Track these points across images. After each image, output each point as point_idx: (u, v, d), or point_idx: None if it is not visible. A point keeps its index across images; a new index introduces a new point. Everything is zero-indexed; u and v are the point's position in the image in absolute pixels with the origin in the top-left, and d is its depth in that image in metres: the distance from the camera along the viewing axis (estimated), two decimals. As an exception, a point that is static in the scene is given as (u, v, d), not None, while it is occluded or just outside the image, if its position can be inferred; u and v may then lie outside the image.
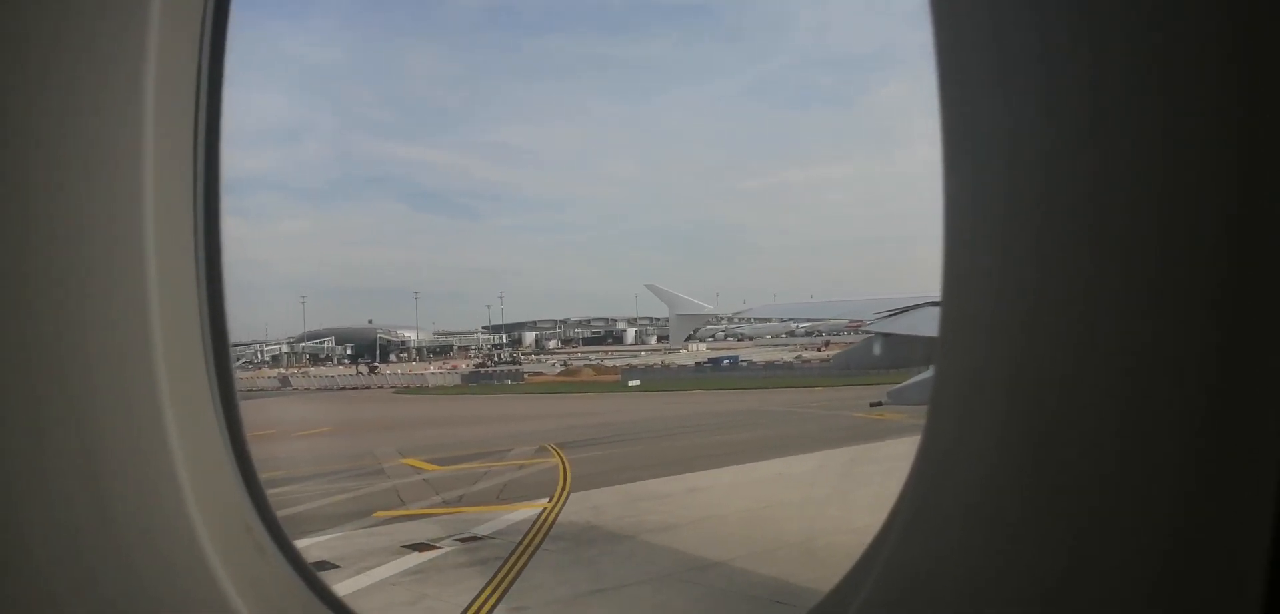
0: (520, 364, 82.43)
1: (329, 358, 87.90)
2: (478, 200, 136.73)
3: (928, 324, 14.24)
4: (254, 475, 2.46)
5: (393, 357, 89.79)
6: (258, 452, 2.52)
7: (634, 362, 78.29)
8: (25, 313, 1.98)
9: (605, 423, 37.41)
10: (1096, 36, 1.35)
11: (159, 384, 2.07)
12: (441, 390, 66.93)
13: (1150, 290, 1.31)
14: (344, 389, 69.99)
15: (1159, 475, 1.30)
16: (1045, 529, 1.45)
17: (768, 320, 70.43)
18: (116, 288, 2.03)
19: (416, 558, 15.53)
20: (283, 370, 78.61)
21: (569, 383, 67.64)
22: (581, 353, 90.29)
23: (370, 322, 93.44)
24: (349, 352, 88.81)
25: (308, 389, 69.74)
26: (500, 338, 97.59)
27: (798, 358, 69.72)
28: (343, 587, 13.35)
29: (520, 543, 16.09)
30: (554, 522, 18.01)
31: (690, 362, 73.86)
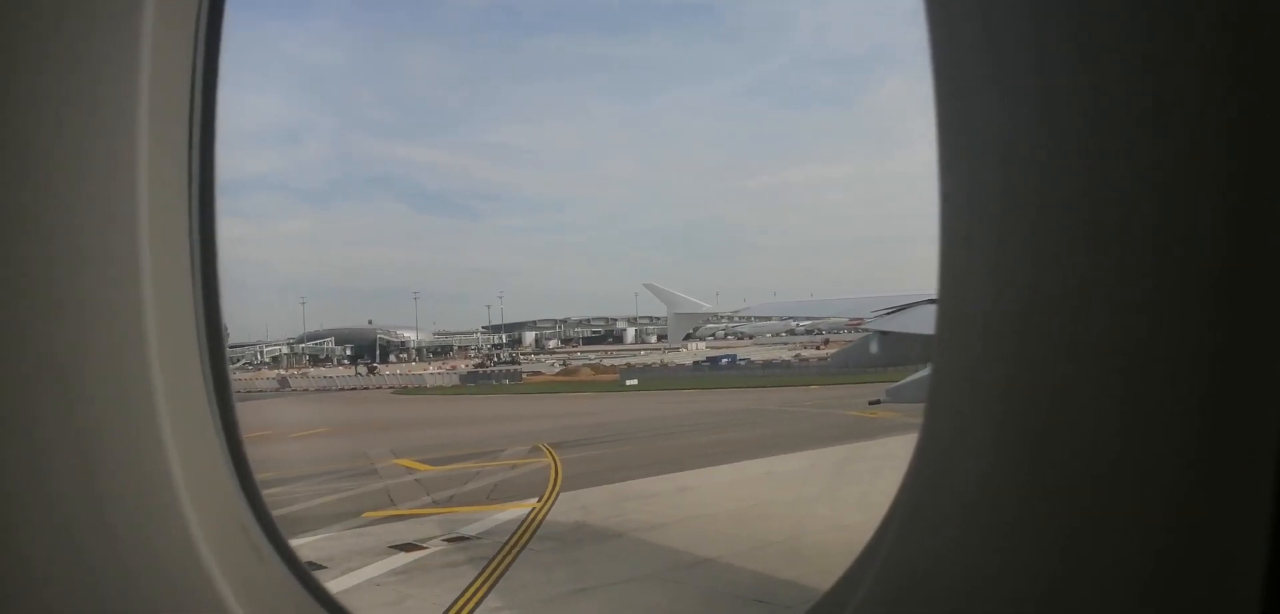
0: (519, 364, 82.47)
1: (329, 358, 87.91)
2: (478, 200, 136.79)
3: (924, 322, 14.25)
4: (250, 477, 2.45)
5: (393, 357, 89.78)
6: (252, 453, 2.52)
7: (633, 361, 78.30)
8: (20, 314, 1.98)
9: (600, 422, 37.43)
10: (1091, 36, 1.36)
11: (154, 385, 2.06)
12: (439, 391, 67.01)
13: (1146, 289, 1.31)
14: (342, 390, 70.06)
15: (1155, 474, 1.31)
16: (1042, 527, 1.46)
17: (768, 319, 70.39)
18: (111, 289, 2.03)
19: (403, 558, 15.57)
20: (281, 371, 78.71)
21: (567, 382, 67.67)
22: (581, 352, 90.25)
23: (370, 322, 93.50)
24: (349, 352, 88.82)
25: (306, 390, 69.83)
26: (500, 338, 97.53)
27: (796, 356, 69.69)
28: (329, 587, 13.36)
29: (507, 543, 16.12)
30: (542, 521, 18.05)
31: (689, 360, 73.86)
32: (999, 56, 1.49)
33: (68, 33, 1.95)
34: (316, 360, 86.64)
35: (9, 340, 1.98)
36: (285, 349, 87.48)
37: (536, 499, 20.19)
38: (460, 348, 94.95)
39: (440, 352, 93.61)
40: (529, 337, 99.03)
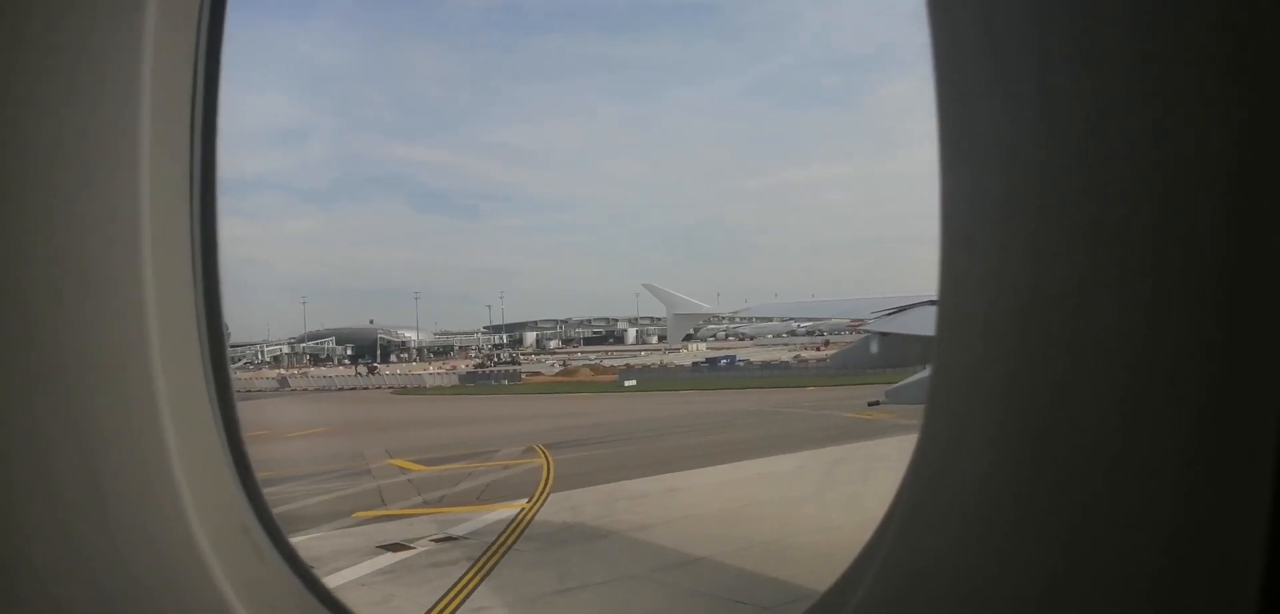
0: (519, 364, 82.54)
1: (329, 358, 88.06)
2: (480, 200, 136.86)
3: (924, 323, 14.26)
4: (251, 476, 2.45)
5: (394, 357, 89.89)
6: (250, 453, 2.53)
7: (633, 362, 78.31)
8: (22, 313, 1.99)
9: (596, 423, 37.45)
10: (1093, 37, 1.36)
11: (156, 385, 2.07)
12: (438, 391, 67.06)
13: (1146, 290, 1.31)
14: (341, 390, 70.14)
15: (1155, 474, 1.31)
16: (1042, 527, 1.46)
17: (769, 320, 70.39)
18: (113, 288, 2.03)
19: (389, 558, 15.62)
20: (282, 371, 78.84)
21: (566, 383, 67.66)
22: (582, 353, 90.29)
23: (371, 322, 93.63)
24: (349, 352, 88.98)
25: (305, 389, 69.93)
26: (501, 338, 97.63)
27: (796, 357, 69.65)
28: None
29: (494, 543, 16.17)
30: (530, 522, 18.09)
31: (688, 362, 73.86)
32: (1000, 58, 1.49)
33: (69, 32, 1.96)
34: (317, 360, 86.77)
35: (11, 340, 1.99)
36: (286, 349, 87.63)
37: (526, 499, 20.24)
38: (461, 348, 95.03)
39: (441, 352, 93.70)
40: (530, 337, 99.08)
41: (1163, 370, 1.29)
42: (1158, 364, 1.30)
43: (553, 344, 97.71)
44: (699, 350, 77.97)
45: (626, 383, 62.73)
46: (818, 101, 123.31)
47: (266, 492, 2.52)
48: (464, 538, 16.85)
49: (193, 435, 2.19)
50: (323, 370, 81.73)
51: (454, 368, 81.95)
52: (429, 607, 12.60)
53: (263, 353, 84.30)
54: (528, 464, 26.25)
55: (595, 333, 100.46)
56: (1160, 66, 1.28)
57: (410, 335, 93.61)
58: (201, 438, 2.27)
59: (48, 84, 1.95)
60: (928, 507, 1.70)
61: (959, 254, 1.59)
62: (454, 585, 13.57)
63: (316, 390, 69.90)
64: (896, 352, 17.68)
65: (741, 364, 70.28)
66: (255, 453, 2.45)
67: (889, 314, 17.00)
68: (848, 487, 19.62)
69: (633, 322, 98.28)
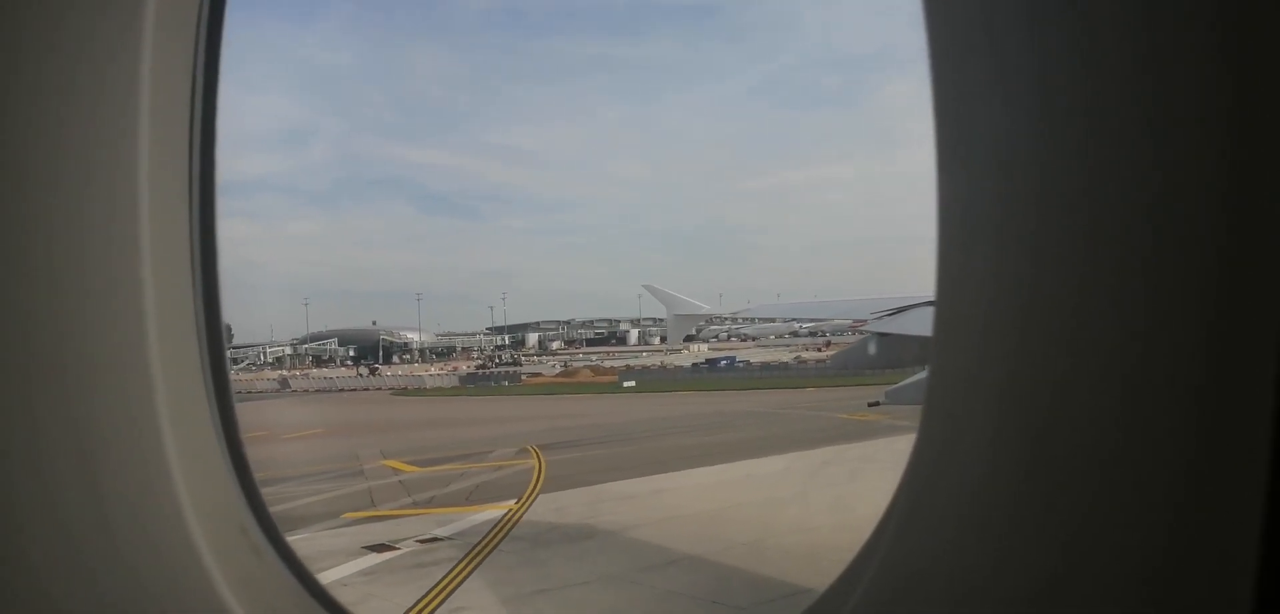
0: (520, 365, 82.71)
1: (331, 359, 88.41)
2: (483, 202, 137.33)
3: (923, 324, 14.27)
4: (250, 477, 2.44)
5: (396, 358, 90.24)
6: (248, 454, 2.53)
7: (634, 362, 78.43)
8: (21, 314, 1.99)
9: (592, 424, 37.57)
10: (1090, 38, 1.35)
11: (155, 385, 2.07)
12: (438, 392, 67.27)
13: (1144, 291, 1.31)
14: (342, 391, 70.45)
15: (1153, 475, 1.30)
16: (1039, 527, 1.45)
17: (771, 321, 70.39)
18: (112, 289, 2.03)
19: (373, 559, 15.74)
20: (283, 372, 79.12)
21: (565, 384, 67.83)
22: (585, 354, 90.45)
23: (374, 323, 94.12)
24: (351, 353, 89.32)
25: (306, 391, 70.19)
26: (503, 339, 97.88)
27: (796, 358, 69.67)
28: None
29: (478, 544, 16.27)
30: (516, 522, 18.20)
31: (689, 362, 73.94)
32: (998, 59, 1.48)
33: (69, 34, 1.97)
34: (319, 361, 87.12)
35: (10, 340, 1.99)
36: (288, 350, 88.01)
37: (515, 500, 20.34)
38: (463, 349, 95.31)
39: (443, 353, 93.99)
40: (532, 338, 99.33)
41: (1160, 371, 1.30)
42: (1155, 364, 1.30)
43: (555, 345, 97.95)
44: (700, 351, 78.07)
45: (625, 384, 62.89)
46: (819, 102, 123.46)
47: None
48: (449, 539, 16.96)
49: (191, 436, 2.20)
50: (325, 372, 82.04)
51: (455, 369, 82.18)
52: (407, 607, 12.71)
53: (265, 354, 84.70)
54: (520, 465, 26.38)
55: (598, 334, 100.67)
56: (1158, 67, 1.28)
57: (412, 336, 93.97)
58: (200, 438, 2.28)
59: (47, 86, 1.96)
60: (925, 507, 1.70)
61: (957, 255, 1.59)
62: (434, 586, 13.68)
63: (317, 391, 70.19)
64: (895, 352, 17.68)
65: (741, 365, 70.36)
66: (252, 454, 2.48)
67: (888, 315, 17.01)
68: (832, 488, 19.73)
69: (635, 322, 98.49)
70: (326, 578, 14.44)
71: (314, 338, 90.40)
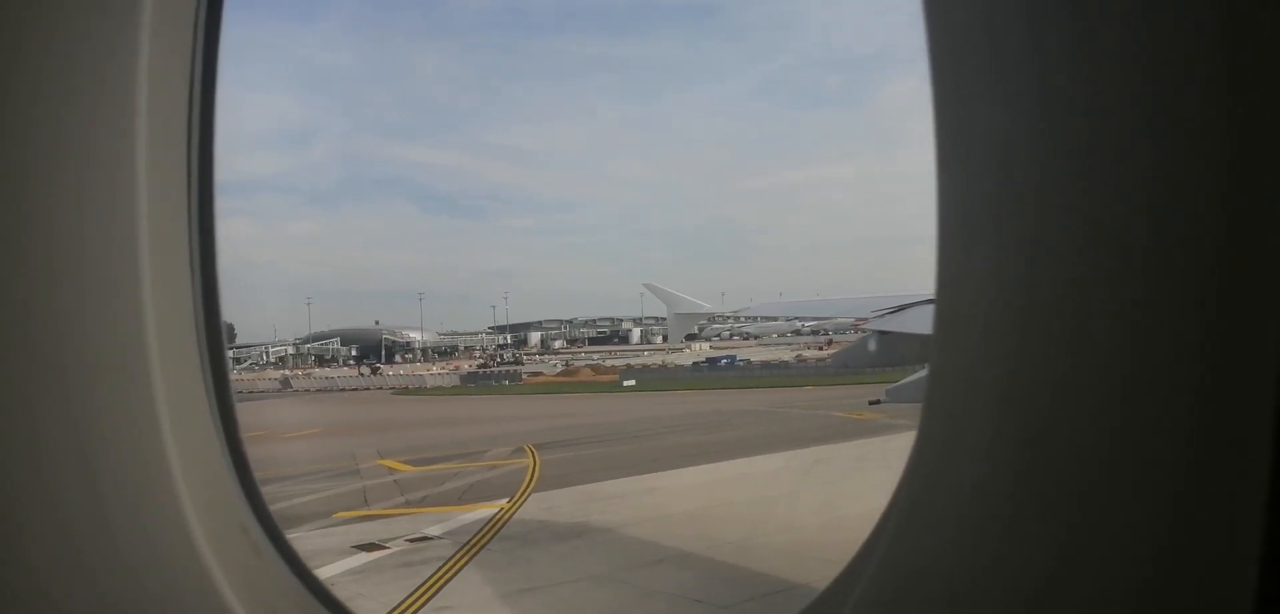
0: (521, 365, 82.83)
1: (334, 359, 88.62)
2: (485, 201, 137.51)
3: (922, 322, 14.29)
4: (250, 475, 2.44)
5: (398, 358, 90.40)
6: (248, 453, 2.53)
7: (635, 361, 78.50)
8: (20, 313, 1.99)
9: (590, 423, 37.65)
10: (1090, 36, 1.35)
11: (154, 384, 2.07)
12: (438, 392, 67.39)
13: (1144, 290, 1.31)
14: (342, 390, 70.58)
15: (1152, 475, 1.30)
16: (1039, 527, 1.45)
17: (773, 319, 70.40)
18: (111, 289, 2.03)
19: (363, 558, 15.84)
20: (285, 372, 79.34)
21: (566, 383, 67.91)
22: (587, 353, 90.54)
23: (376, 323, 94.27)
24: (354, 353, 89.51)
25: (307, 390, 70.38)
26: (505, 338, 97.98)
27: (797, 357, 69.65)
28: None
29: (467, 543, 16.37)
30: (507, 521, 18.30)
31: (690, 361, 73.99)
32: (998, 58, 1.48)
33: (67, 33, 1.96)
34: (322, 361, 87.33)
35: (9, 340, 1.99)
36: (291, 350, 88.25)
37: (507, 499, 20.43)
38: (466, 348, 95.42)
39: (446, 352, 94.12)
40: (534, 337, 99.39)
41: (1159, 370, 1.30)
42: (1155, 364, 1.30)
43: (557, 344, 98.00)
44: (701, 350, 78.10)
45: (625, 383, 62.93)
46: (820, 102, 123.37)
47: (257, 493, 2.54)
48: (438, 538, 17.05)
49: (191, 435, 2.19)
50: (326, 371, 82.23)
51: (457, 368, 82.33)
52: (392, 606, 12.80)
53: (268, 354, 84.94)
54: (514, 464, 26.47)
55: (600, 333, 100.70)
56: (1159, 65, 1.28)
57: (414, 336, 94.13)
58: (200, 438, 2.28)
59: (45, 85, 1.96)
60: (925, 506, 1.69)
61: (956, 253, 1.59)
62: (420, 585, 13.79)
63: (318, 391, 70.35)
64: (895, 351, 17.67)
65: (741, 364, 70.37)
66: (250, 454, 2.49)
67: (888, 313, 17.03)
68: (822, 488, 19.80)
69: (637, 321, 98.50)
70: (315, 577, 14.55)
71: (316, 337, 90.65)
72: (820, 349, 68.13)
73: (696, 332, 74.92)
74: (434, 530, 17.71)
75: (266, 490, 2.52)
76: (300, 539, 17.40)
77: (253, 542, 2.39)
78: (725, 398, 47.89)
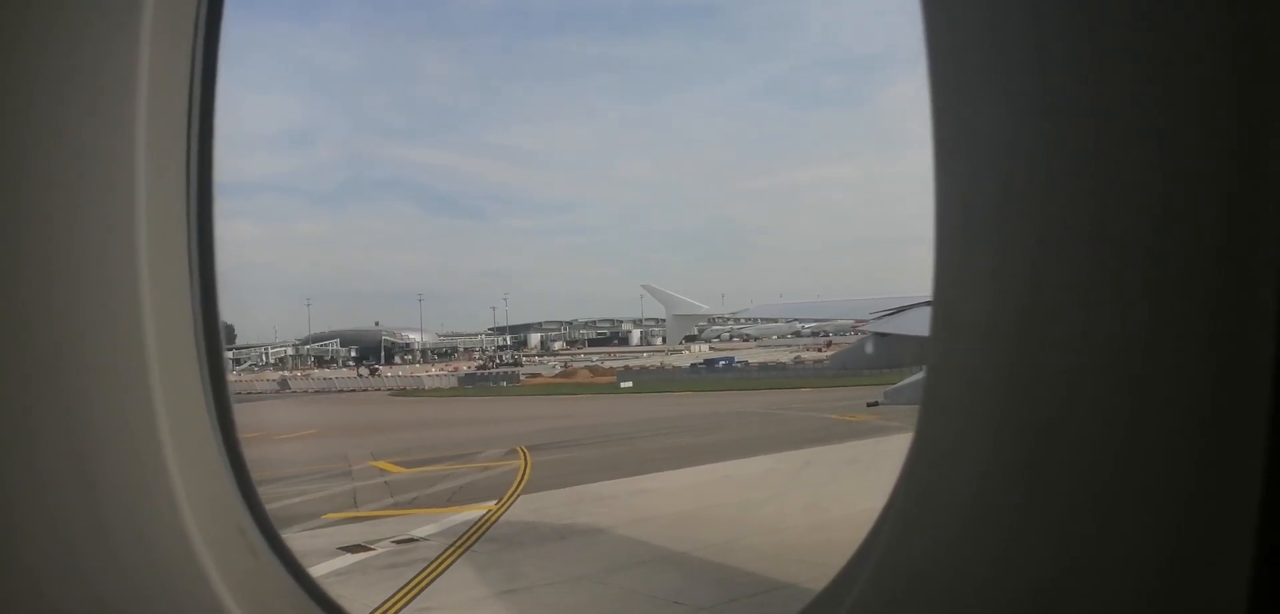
0: (520, 366, 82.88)
1: (333, 360, 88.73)
2: (486, 202, 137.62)
3: (921, 324, 14.29)
4: (247, 477, 2.45)
5: (398, 359, 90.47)
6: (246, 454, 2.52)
7: (633, 363, 78.54)
8: (18, 314, 2.00)
9: (585, 425, 37.66)
10: (1090, 35, 1.35)
11: (152, 386, 2.07)
12: (436, 393, 67.40)
13: (1143, 290, 1.31)
14: (341, 392, 70.63)
15: (1151, 476, 1.30)
16: (1036, 528, 1.45)
17: (774, 321, 70.28)
18: (109, 289, 2.03)
19: (348, 559, 15.86)
20: (284, 373, 79.47)
21: (563, 384, 67.87)
22: (587, 354, 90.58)
23: (376, 324, 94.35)
24: (353, 354, 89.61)
25: (305, 392, 70.43)
26: (504, 340, 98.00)
27: (795, 359, 69.61)
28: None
29: (453, 544, 16.39)
30: (494, 523, 18.32)
31: (688, 363, 74.03)
32: (996, 55, 1.48)
33: (66, 35, 1.97)
34: (321, 362, 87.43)
35: (6, 341, 2.00)
36: (290, 351, 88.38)
37: (496, 501, 20.45)
38: (465, 349, 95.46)
39: (446, 353, 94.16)
40: (534, 338, 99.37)
41: (1159, 371, 1.30)
42: (1154, 364, 1.30)
43: (557, 345, 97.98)
44: (701, 351, 78.10)
45: (622, 385, 62.96)
46: (823, 102, 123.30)
47: (249, 494, 2.53)
48: (424, 540, 17.07)
49: (188, 436, 2.20)
50: (326, 372, 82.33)
51: (456, 370, 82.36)
52: (374, 607, 12.82)
53: (267, 355, 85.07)
54: (506, 466, 26.47)
55: (600, 334, 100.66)
56: (1159, 64, 1.28)
57: (414, 337, 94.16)
58: (197, 439, 2.28)
59: (45, 87, 1.97)
60: (922, 508, 1.69)
61: (955, 254, 1.58)
62: (402, 587, 13.81)
63: (316, 392, 70.36)
64: (893, 352, 17.69)
65: (739, 365, 70.37)
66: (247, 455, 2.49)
67: (886, 315, 17.03)
68: (810, 490, 19.81)
69: (637, 323, 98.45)
70: (300, 578, 14.56)
71: (316, 339, 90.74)
72: (820, 351, 68.11)
73: (696, 333, 74.92)
74: (421, 532, 17.73)
75: (259, 492, 2.51)
76: (288, 541, 17.39)
77: (250, 543, 2.39)
78: (722, 400, 47.90)
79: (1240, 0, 1.22)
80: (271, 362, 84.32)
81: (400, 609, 12.86)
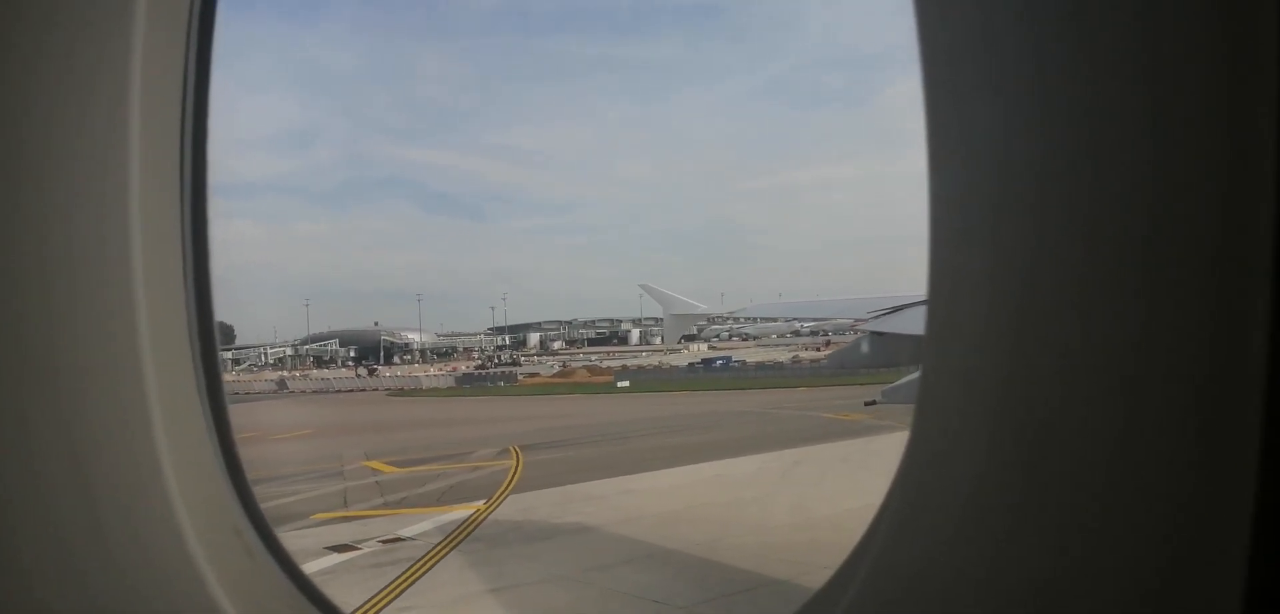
0: (518, 365, 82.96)
1: (332, 360, 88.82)
2: (487, 202, 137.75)
3: (917, 323, 14.27)
4: (243, 477, 2.43)
5: (397, 359, 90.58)
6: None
7: (631, 362, 78.60)
8: (11, 314, 1.99)
9: (580, 424, 37.73)
10: (1085, 35, 1.35)
11: (147, 386, 2.06)
12: (434, 393, 67.58)
13: (1138, 290, 1.31)
14: (338, 392, 70.81)
15: (1147, 477, 1.30)
16: (1033, 528, 1.45)
17: (773, 320, 70.33)
18: (103, 290, 2.03)
19: (334, 559, 15.90)
20: (282, 373, 79.55)
21: (561, 384, 68.00)
22: (586, 354, 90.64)
23: (376, 324, 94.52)
24: (352, 354, 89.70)
25: (302, 392, 70.55)
26: (504, 339, 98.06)
27: (793, 358, 69.66)
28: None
29: (439, 544, 16.43)
30: (481, 522, 18.37)
31: (686, 362, 74.08)
32: (992, 55, 1.47)
33: (59, 34, 1.96)
34: (320, 362, 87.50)
35: (1, 341, 1.99)
36: (289, 351, 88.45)
37: (484, 501, 20.50)
38: (465, 349, 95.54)
39: (445, 353, 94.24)
40: (534, 338, 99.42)
41: (1154, 371, 1.29)
42: (1149, 365, 1.30)
43: (557, 345, 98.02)
44: (701, 351, 78.18)
45: (619, 384, 63.03)
46: (823, 101, 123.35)
47: (241, 494, 2.53)
48: (411, 539, 17.12)
49: (184, 437, 2.19)
50: (324, 372, 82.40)
51: (454, 370, 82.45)
52: (356, 607, 12.86)
53: (266, 355, 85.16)
54: (498, 466, 26.53)
55: (599, 334, 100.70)
56: (1155, 67, 1.28)
57: (413, 337, 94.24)
58: (193, 440, 2.27)
59: (38, 86, 1.96)
60: (918, 508, 1.68)
61: (949, 255, 1.58)
62: (386, 586, 13.85)
63: (314, 392, 70.53)
64: (890, 352, 17.70)
65: (736, 364, 70.41)
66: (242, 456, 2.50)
67: (883, 314, 17.07)
68: (798, 489, 19.86)
69: (637, 322, 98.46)
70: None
71: (315, 339, 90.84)
72: (818, 350, 68.14)
73: (696, 332, 74.98)
74: (408, 532, 17.77)
75: (254, 492, 2.52)
76: (277, 541, 17.47)
77: (245, 544, 2.38)
78: (718, 399, 47.96)
79: (1234, 1, 1.22)
80: (270, 362, 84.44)
81: (381, 609, 12.90)
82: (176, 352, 2.26)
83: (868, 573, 1.78)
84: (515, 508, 19.69)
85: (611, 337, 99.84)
